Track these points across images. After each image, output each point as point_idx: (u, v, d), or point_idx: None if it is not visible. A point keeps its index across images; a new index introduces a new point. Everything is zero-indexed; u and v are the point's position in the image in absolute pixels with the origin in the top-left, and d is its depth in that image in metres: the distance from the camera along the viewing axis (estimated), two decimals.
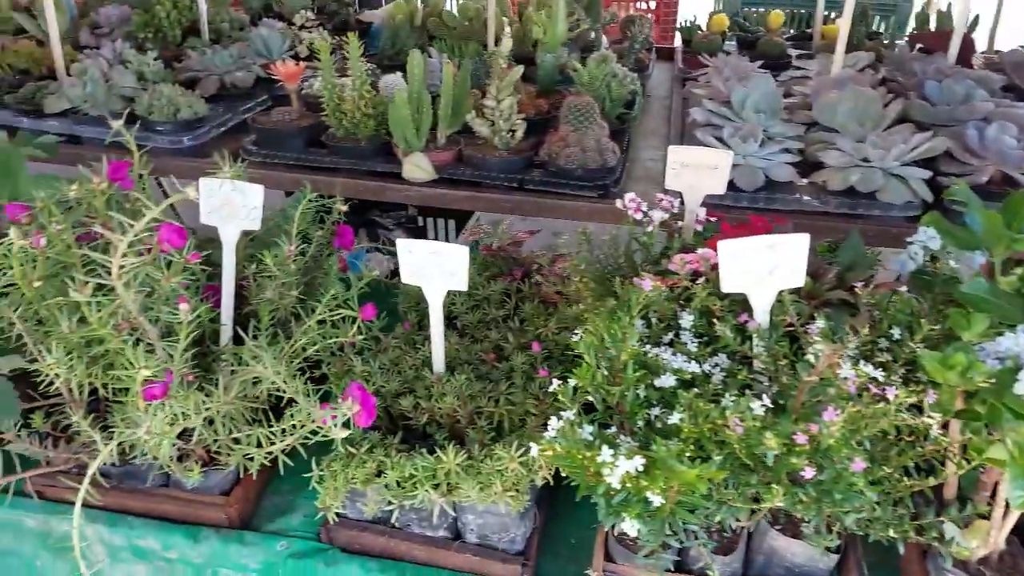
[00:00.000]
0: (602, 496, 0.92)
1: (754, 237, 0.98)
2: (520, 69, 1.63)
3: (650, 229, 1.35)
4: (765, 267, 0.98)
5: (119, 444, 1.10)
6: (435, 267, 1.18)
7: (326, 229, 1.51)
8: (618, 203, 1.34)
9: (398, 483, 1.10)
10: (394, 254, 1.21)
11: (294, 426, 1.08)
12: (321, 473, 1.12)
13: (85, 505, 1.24)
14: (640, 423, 1.02)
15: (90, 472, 1.07)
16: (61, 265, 1.14)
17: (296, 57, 2.22)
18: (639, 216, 1.34)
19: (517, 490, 1.07)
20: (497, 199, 1.65)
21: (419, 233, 3.27)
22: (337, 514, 1.12)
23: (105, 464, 1.11)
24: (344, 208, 1.49)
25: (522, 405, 1.22)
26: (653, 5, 4.64)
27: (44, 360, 1.07)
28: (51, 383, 1.13)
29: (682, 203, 1.40)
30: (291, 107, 1.76)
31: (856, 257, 1.18)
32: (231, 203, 1.29)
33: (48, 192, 1.19)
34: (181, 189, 1.05)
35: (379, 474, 1.13)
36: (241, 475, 1.24)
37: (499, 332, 1.39)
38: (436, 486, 1.09)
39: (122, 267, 1.00)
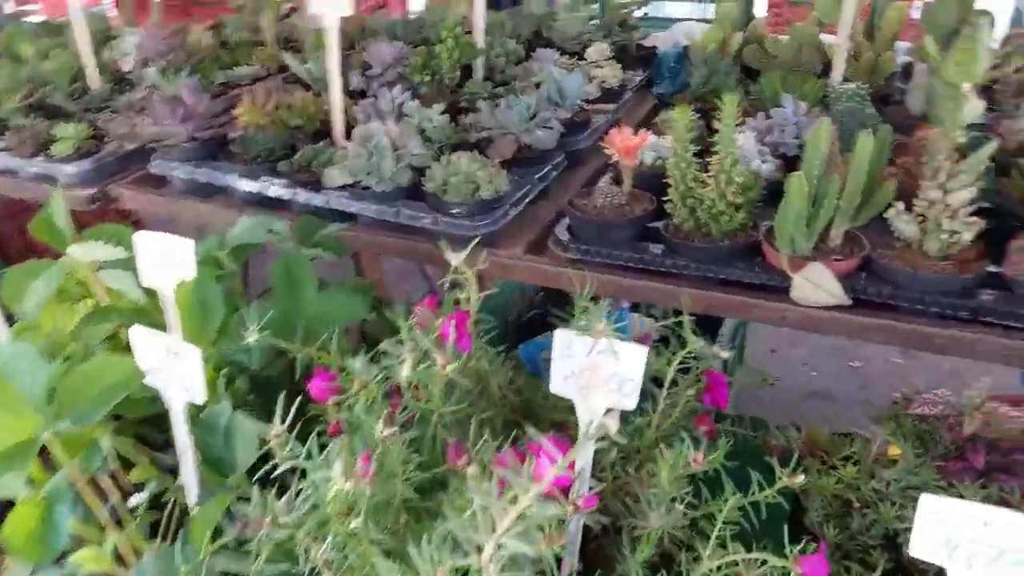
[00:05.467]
0: None
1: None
2: (992, 146, 1.08)
3: None
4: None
5: None
6: None
7: (691, 378, 1.07)
8: None
9: None
10: None
11: None
12: None
13: None
14: None
15: None
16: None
17: (587, 101, 1.82)
18: None
19: None
20: (929, 334, 1.12)
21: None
22: None
23: None
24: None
25: None
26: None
27: None
28: None
29: None
30: (618, 186, 1.34)
31: None
32: (597, 369, 0.89)
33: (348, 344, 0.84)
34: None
35: None
36: None
37: None
38: None
39: (499, 546, 0.62)
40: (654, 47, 2.24)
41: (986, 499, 0.97)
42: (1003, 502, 0.99)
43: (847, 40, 1.68)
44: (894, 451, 1.06)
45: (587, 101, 1.82)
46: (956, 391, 1.98)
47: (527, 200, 1.49)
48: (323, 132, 1.65)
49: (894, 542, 0.99)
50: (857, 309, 1.15)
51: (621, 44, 2.22)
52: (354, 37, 2.36)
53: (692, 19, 3.58)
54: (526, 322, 2.56)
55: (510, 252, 1.40)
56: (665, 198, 1.28)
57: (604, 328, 0.87)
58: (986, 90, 1.57)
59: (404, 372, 0.81)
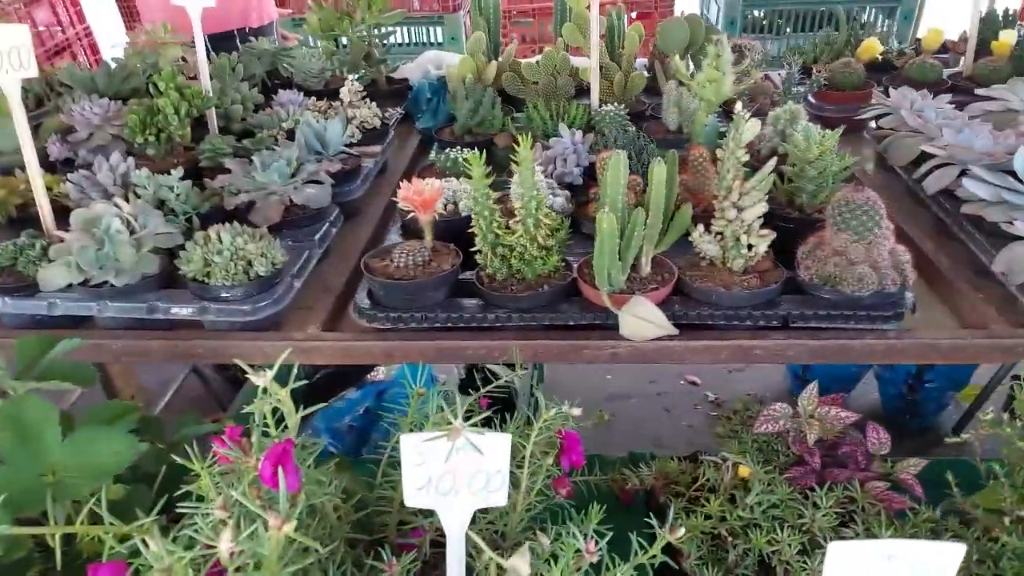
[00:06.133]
0: None
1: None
2: (773, 162, 1.13)
3: None
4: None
5: None
6: None
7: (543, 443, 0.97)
8: None
9: None
10: None
11: None
12: None
13: None
14: None
15: None
16: None
17: (348, 145, 1.65)
18: None
19: None
20: (748, 347, 1.15)
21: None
22: None
23: None
24: None
25: None
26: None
27: None
28: None
29: None
30: (418, 241, 1.20)
31: None
32: (458, 470, 0.76)
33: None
34: None
35: None
36: None
37: None
38: None
39: None
40: (406, 80, 2.14)
41: (836, 502, 1.00)
42: (849, 500, 1.03)
43: (598, 63, 1.72)
44: (744, 471, 1.06)
45: (349, 145, 1.66)
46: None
47: (309, 268, 1.29)
48: (24, 220, 1.30)
49: (768, 567, 0.98)
50: (682, 335, 1.15)
51: (370, 79, 2.09)
52: (40, 94, 1.95)
53: (414, 43, 3.55)
54: (322, 380, 2.30)
55: (305, 332, 1.19)
56: (473, 248, 1.17)
57: (461, 426, 0.74)
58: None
59: (224, 546, 0.60)
